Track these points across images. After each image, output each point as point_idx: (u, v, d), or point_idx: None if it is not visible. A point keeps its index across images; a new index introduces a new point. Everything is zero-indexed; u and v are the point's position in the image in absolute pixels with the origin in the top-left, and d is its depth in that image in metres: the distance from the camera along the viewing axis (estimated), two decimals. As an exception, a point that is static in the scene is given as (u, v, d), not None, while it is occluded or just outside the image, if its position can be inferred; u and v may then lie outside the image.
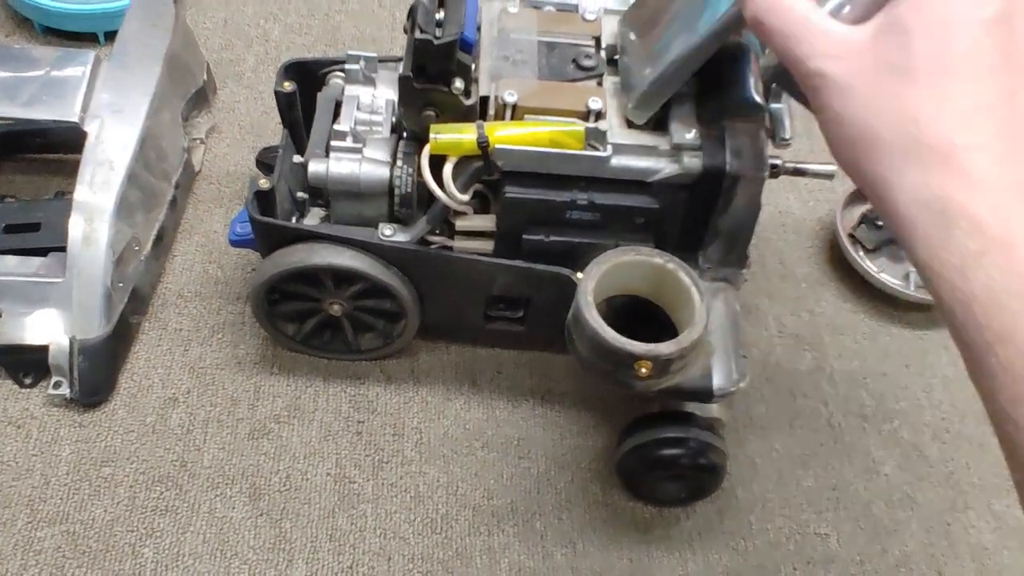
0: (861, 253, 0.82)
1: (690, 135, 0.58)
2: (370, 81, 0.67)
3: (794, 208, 0.86)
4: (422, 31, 0.56)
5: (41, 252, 0.68)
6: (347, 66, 0.67)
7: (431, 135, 0.58)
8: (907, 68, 0.36)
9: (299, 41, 0.94)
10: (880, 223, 0.84)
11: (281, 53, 0.92)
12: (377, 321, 0.69)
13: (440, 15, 0.58)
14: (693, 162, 0.58)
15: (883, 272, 0.82)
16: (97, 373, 0.66)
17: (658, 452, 0.63)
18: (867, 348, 0.78)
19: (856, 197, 0.84)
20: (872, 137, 0.36)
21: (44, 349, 0.65)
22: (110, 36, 0.87)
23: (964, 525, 0.69)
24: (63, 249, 0.66)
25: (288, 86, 0.68)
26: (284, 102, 0.69)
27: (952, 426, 0.74)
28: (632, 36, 0.60)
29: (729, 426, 0.71)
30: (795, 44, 0.39)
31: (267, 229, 0.64)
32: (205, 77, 0.84)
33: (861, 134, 0.37)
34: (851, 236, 0.82)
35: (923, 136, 0.35)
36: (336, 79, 0.70)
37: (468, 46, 0.58)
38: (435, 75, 0.58)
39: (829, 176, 0.64)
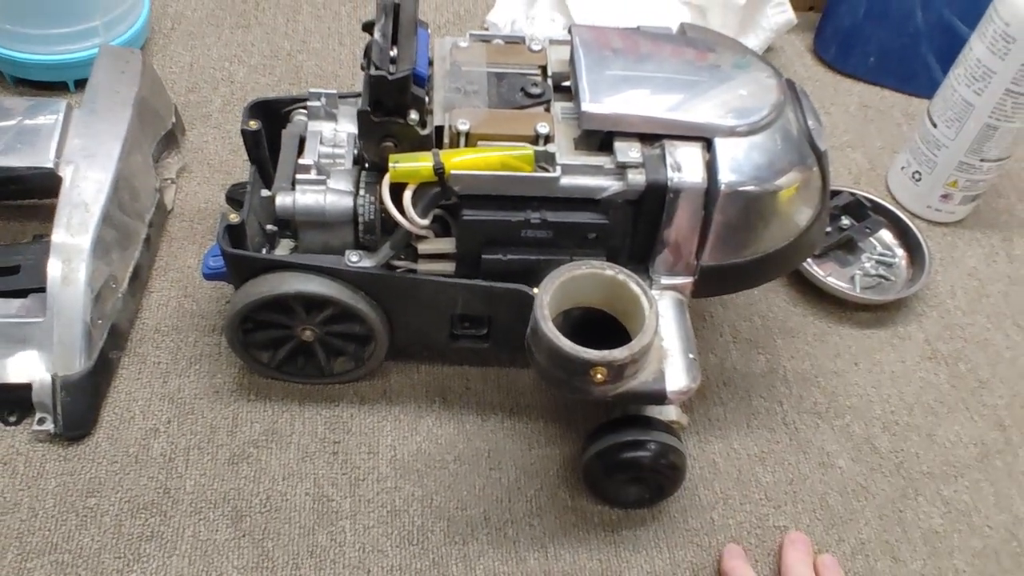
0: (809, 260, 0.86)
1: (634, 153, 0.62)
2: (332, 116, 0.71)
3: (744, 219, 0.90)
4: (377, 68, 0.60)
5: (21, 294, 0.71)
6: (309, 103, 0.71)
7: (390, 164, 0.61)
8: None
9: (263, 81, 0.98)
10: (826, 229, 0.88)
11: (247, 93, 0.95)
12: (348, 345, 0.72)
13: (393, 52, 0.62)
14: (637, 178, 0.62)
15: (830, 276, 0.86)
16: (80, 408, 0.69)
17: (619, 455, 0.66)
18: (818, 349, 0.82)
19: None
20: None
21: (27, 387, 0.68)
22: (80, 84, 0.90)
23: (915, 511, 0.73)
24: (42, 290, 0.69)
25: (254, 124, 0.71)
26: (251, 140, 0.72)
27: (901, 419, 0.78)
28: None
29: (689, 429, 0.75)
30: None
31: (238, 261, 0.67)
32: (174, 119, 0.87)
33: None
34: (798, 243, 0.86)
35: None
36: (299, 116, 0.73)
37: (421, 80, 0.62)
38: (391, 108, 0.62)
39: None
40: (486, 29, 1.04)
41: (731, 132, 0.63)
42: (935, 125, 0.89)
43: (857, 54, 1.08)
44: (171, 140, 0.87)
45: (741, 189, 0.62)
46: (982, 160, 0.88)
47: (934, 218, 0.94)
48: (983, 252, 0.92)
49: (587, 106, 0.62)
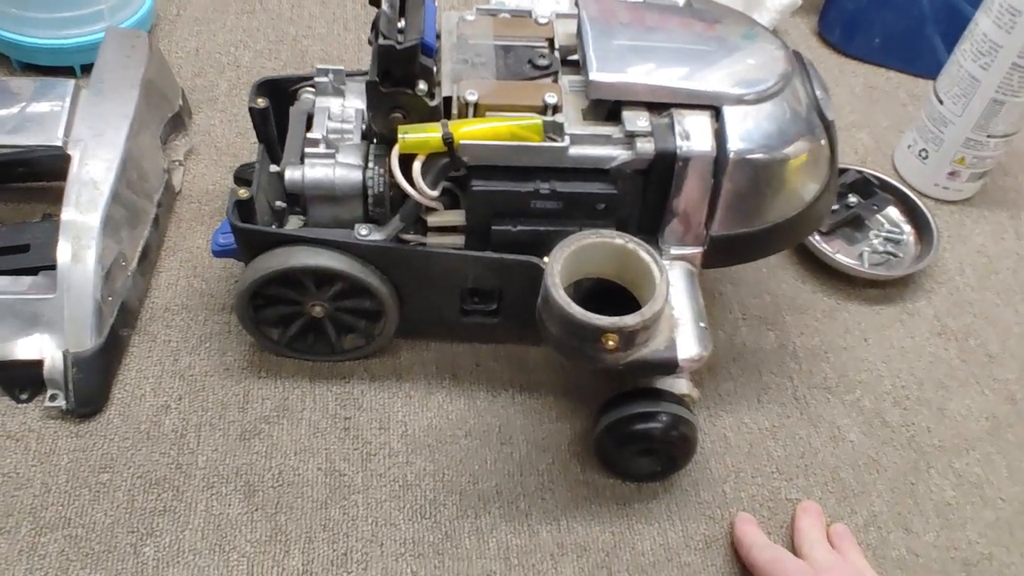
0: (817, 237, 0.86)
1: (642, 122, 0.62)
2: (339, 92, 0.71)
3: (751, 198, 0.90)
4: (385, 38, 0.60)
5: (32, 272, 0.71)
6: (317, 79, 0.71)
7: (399, 135, 0.61)
8: None
9: (269, 66, 0.98)
10: (833, 208, 0.88)
11: (252, 78, 0.94)
12: (358, 321, 0.72)
13: (401, 23, 0.62)
14: (646, 147, 0.62)
15: (839, 253, 0.86)
16: (91, 384, 0.69)
17: (631, 427, 0.66)
18: (827, 325, 0.82)
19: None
20: None
21: (38, 364, 0.68)
22: (86, 69, 0.90)
23: (927, 484, 0.73)
24: (53, 268, 0.69)
25: (261, 102, 0.72)
26: (258, 118, 0.72)
27: (911, 393, 0.78)
28: None
29: (700, 403, 0.75)
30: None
31: (248, 236, 0.67)
32: (180, 102, 0.87)
33: None
34: (806, 220, 0.86)
35: None
36: (307, 94, 0.73)
37: (429, 50, 0.62)
38: (400, 79, 0.62)
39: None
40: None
41: (739, 100, 0.63)
42: (941, 102, 0.89)
43: (862, 36, 1.08)
44: (178, 123, 0.87)
45: (750, 157, 0.62)
46: (989, 136, 0.88)
47: (942, 196, 0.94)
48: (991, 229, 0.92)
49: (595, 75, 0.62)
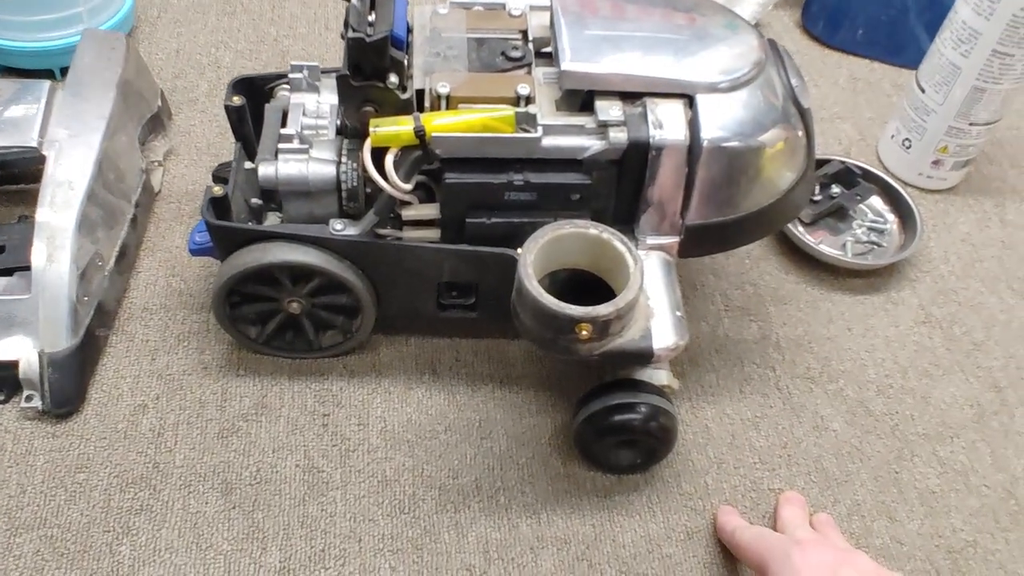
0: (800, 227, 0.86)
1: (615, 111, 0.62)
2: (314, 88, 0.71)
3: (733, 190, 0.90)
4: (355, 31, 0.60)
5: (7, 273, 0.71)
6: (291, 75, 0.70)
7: (371, 129, 0.61)
8: None
9: (249, 66, 0.98)
10: (816, 198, 0.88)
11: (233, 77, 0.95)
12: (335, 317, 0.71)
13: (372, 17, 0.62)
14: (619, 137, 0.61)
15: (822, 243, 0.85)
16: (67, 384, 0.68)
17: (610, 418, 0.65)
18: (810, 315, 0.82)
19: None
20: None
21: (14, 365, 0.68)
22: (65, 71, 0.89)
23: (911, 472, 0.72)
24: (28, 269, 0.69)
25: (237, 100, 0.71)
26: (234, 116, 0.72)
27: (895, 382, 0.78)
28: None
29: (681, 395, 0.75)
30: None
31: (223, 232, 0.66)
32: (159, 103, 0.87)
33: None
34: (788, 211, 0.86)
35: None
36: (283, 91, 0.73)
37: (399, 42, 0.61)
38: (371, 72, 0.61)
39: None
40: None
41: (713, 88, 0.63)
42: (923, 90, 0.89)
43: (845, 27, 1.08)
44: (157, 123, 0.87)
45: (724, 145, 0.62)
46: (971, 124, 0.88)
47: (926, 185, 0.93)
48: (976, 218, 0.92)
49: (567, 65, 0.62)
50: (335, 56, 1.00)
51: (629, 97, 0.63)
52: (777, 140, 0.64)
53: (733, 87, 0.63)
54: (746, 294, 0.83)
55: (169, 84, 0.94)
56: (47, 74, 0.93)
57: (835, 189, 0.89)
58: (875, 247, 0.86)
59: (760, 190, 0.65)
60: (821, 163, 0.90)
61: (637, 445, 0.67)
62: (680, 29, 0.66)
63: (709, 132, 0.62)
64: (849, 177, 0.90)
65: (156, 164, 0.85)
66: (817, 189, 0.88)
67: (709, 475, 0.71)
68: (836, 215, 0.88)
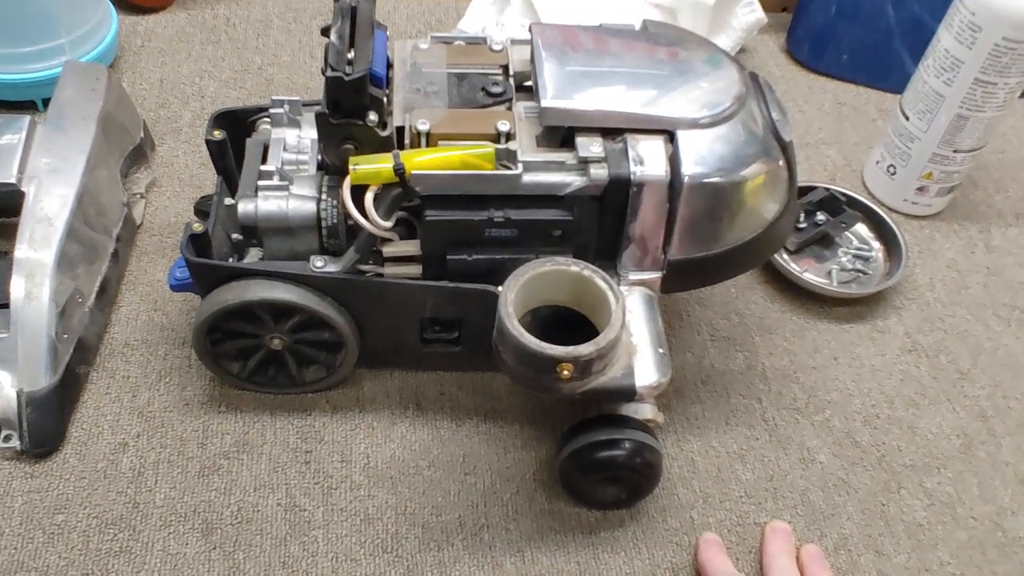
0: (785, 256, 0.86)
1: (596, 148, 0.62)
2: (295, 123, 0.70)
3: (719, 218, 0.90)
4: (333, 69, 0.59)
5: (-16, 311, 0.70)
6: (272, 110, 0.70)
7: (350, 166, 0.61)
8: None
9: (234, 95, 0.97)
10: (801, 226, 0.88)
11: (217, 108, 0.92)
12: (318, 353, 0.71)
13: (351, 55, 0.62)
14: (600, 173, 0.61)
15: (807, 271, 0.85)
16: (46, 424, 0.68)
17: (594, 455, 0.65)
18: (796, 345, 0.81)
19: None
20: None
21: (-8, 404, 0.67)
22: (48, 103, 0.89)
23: (899, 505, 0.72)
24: (6, 306, 0.68)
25: (218, 134, 0.71)
26: (216, 150, 0.72)
27: (882, 412, 0.77)
28: None
29: (667, 428, 0.74)
30: None
31: (202, 270, 0.66)
32: (142, 135, 0.87)
33: None
34: (773, 239, 0.85)
35: None
36: (264, 125, 0.73)
37: (378, 80, 0.61)
38: (350, 110, 0.61)
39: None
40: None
41: (693, 124, 0.63)
42: (907, 118, 0.89)
43: (830, 52, 1.08)
44: (139, 155, 0.87)
45: (705, 181, 0.62)
46: (955, 151, 0.88)
47: (911, 211, 0.93)
48: (961, 244, 0.92)
49: (548, 101, 0.62)
50: (319, 85, 0.99)
51: (610, 133, 0.63)
52: (758, 174, 0.64)
53: (714, 122, 0.63)
54: (732, 323, 0.82)
55: (152, 114, 0.94)
56: (30, 105, 0.92)
57: (820, 216, 0.89)
58: (860, 275, 0.86)
59: (742, 224, 0.65)
60: (806, 190, 0.90)
61: (622, 481, 0.67)
62: (661, 64, 0.66)
63: (690, 168, 0.62)
64: (834, 204, 0.89)
65: (138, 196, 0.85)
66: (802, 216, 0.88)
67: (695, 509, 0.70)
68: (821, 243, 0.88)
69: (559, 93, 0.62)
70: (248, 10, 1.08)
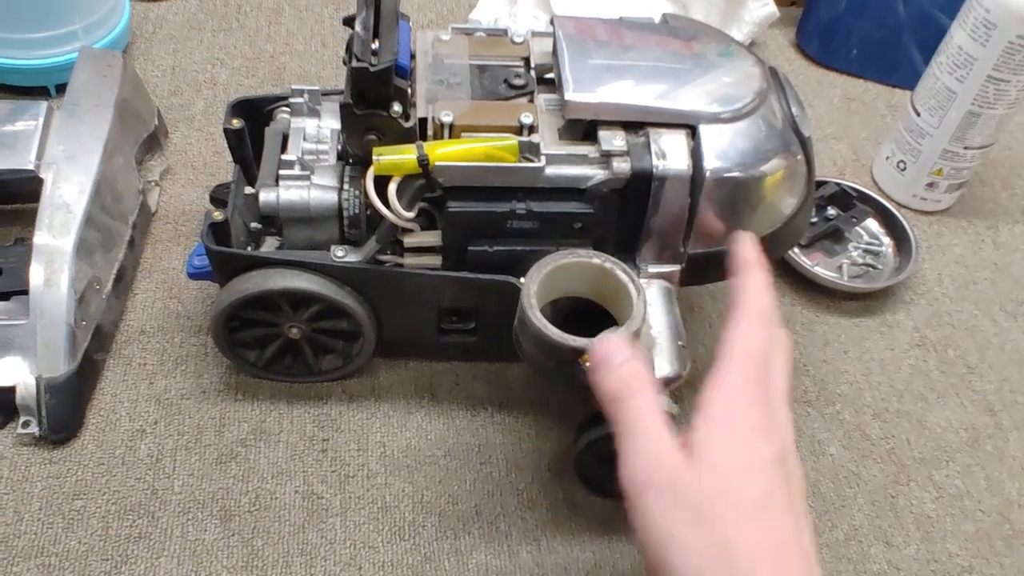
0: (796, 250, 0.86)
1: (618, 141, 0.62)
2: (315, 113, 0.70)
3: (730, 211, 0.90)
4: (359, 60, 0.60)
5: (3, 297, 0.70)
6: (292, 99, 0.70)
7: (374, 157, 0.61)
8: (721, 503, 0.43)
9: (246, 83, 0.97)
10: (812, 220, 0.88)
11: (229, 95, 0.95)
12: (335, 342, 0.71)
13: (375, 45, 0.62)
14: (622, 167, 0.62)
15: (818, 266, 0.86)
16: (65, 410, 0.68)
17: (611, 445, 0.65)
18: (807, 338, 0.82)
19: (787, 197, 0.88)
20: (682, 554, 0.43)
21: (11, 390, 0.67)
22: (61, 88, 0.89)
23: (908, 497, 0.73)
24: (25, 292, 0.68)
25: (236, 123, 0.71)
26: (233, 139, 0.72)
27: (891, 405, 0.78)
28: None
29: (680, 419, 0.75)
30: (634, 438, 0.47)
31: (223, 258, 0.66)
32: (156, 122, 0.87)
33: (669, 546, 0.43)
34: (784, 233, 0.86)
35: (732, 563, 0.41)
36: (282, 114, 0.73)
37: (403, 71, 0.61)
38: (374, 101, 0.61)
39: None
40: (469, 28, 1.04)
41: (715, 119, 0.63)
42: (918, 114, 0.90)
43: (839, 47, 1.08)
44: (154, 142, 0.87)
45: (726, 175, 0.62)
46: (966, 148, 0.88)
47: (920, 207, 0.94)
48: (969, 240, 0.93)
49: (570, 95, 0.62)
50: (331, 73, 1.00)
51: (632, 127, 0.63)
52: (778, 169, 0.64)
53: (735, 117, 0.63)
54: (743, 317, 0.83)
55: (165, 102, 0.94)
56: (42, 91, 0.92)
57: (831, 211, 0.89)
58: (870, 269, 0.87)
59: (762, 218, 0.66)
60: (817, 185, 0.90)
61: (637, 472, 0.67)
62: (682, 58, 0.66)
63: (711, 162, 0.62)
64: (845, 199, 0.90)
65: (152, 184, 0.85)
66: (813, 211, 0.89)
67: (708, 501, 0.71)
68: (832, 237, 0.89)
69: (582, 86, 0.63)
70: (259, -3, 1.08)
